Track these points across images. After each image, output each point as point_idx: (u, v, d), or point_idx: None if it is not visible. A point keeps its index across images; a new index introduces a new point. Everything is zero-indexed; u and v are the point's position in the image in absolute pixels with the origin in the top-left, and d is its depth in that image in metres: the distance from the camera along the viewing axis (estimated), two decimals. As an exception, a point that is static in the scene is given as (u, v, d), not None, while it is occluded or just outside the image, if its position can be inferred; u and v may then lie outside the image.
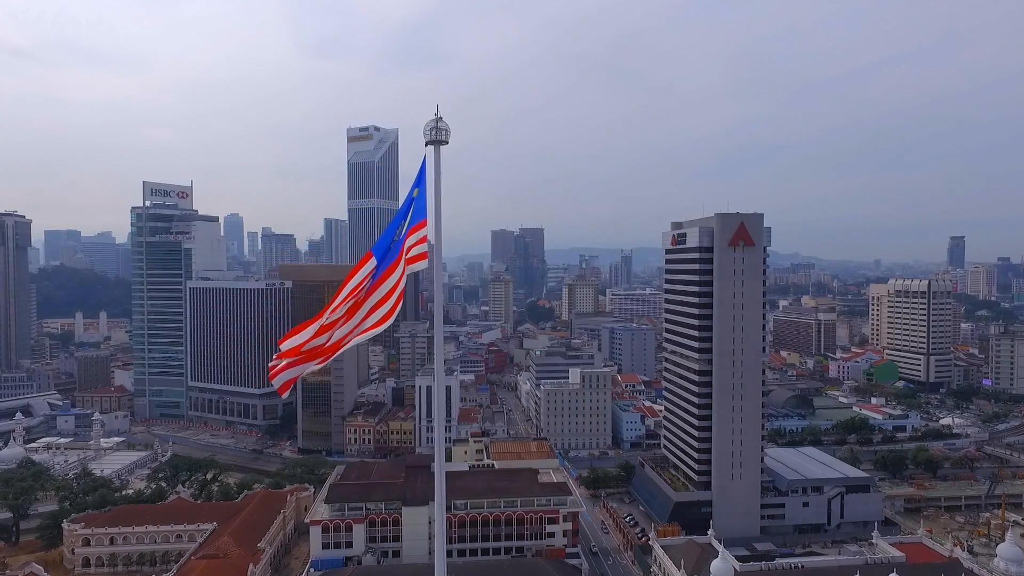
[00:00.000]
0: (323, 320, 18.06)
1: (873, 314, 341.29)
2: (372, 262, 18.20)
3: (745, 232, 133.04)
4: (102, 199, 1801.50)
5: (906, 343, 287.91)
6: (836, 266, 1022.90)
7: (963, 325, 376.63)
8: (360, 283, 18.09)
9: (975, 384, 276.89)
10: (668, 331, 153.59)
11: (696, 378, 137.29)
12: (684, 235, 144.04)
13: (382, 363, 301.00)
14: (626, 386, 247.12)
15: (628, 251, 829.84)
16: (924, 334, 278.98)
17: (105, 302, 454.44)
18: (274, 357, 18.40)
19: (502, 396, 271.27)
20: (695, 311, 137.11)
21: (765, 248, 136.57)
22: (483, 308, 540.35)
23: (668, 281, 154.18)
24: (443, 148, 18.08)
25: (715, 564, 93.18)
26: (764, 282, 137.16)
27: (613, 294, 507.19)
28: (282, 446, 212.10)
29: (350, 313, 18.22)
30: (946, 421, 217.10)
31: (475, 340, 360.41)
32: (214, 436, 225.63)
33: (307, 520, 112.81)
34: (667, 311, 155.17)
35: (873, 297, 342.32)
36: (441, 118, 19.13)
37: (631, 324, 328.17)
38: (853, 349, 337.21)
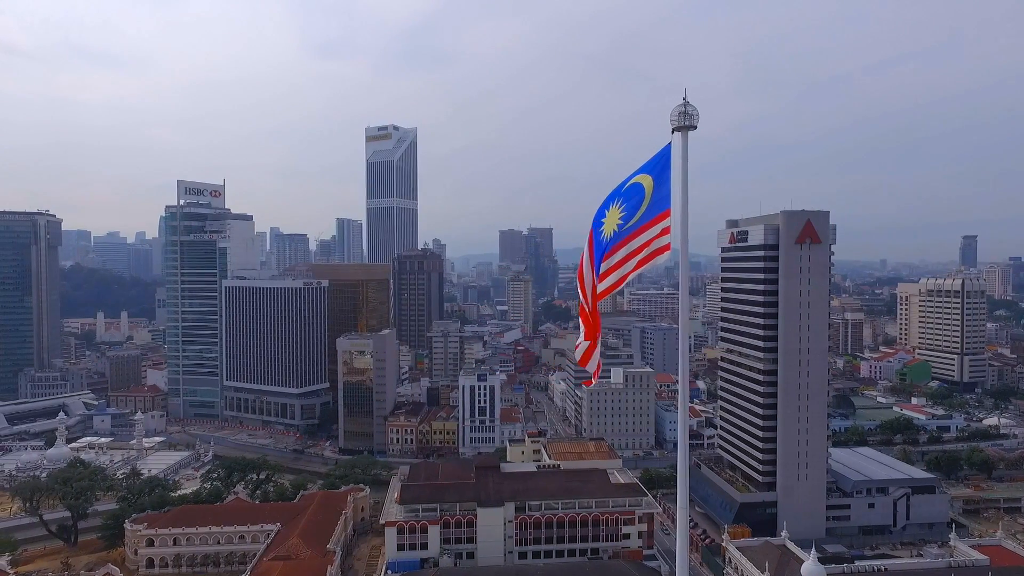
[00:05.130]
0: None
1: (901, 314, 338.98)
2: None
3: (812, 229, 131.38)
4: (109, 200, 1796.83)
5: (939, 343, 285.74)
6: (843, 266, 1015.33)
7: (987, 325, 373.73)
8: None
9: (1010, 384, 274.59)
10: (726, 330, 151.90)
11: (760, 378, 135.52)
12: (745, 233, 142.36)
13: (410, 362, 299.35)
14: (661, 386, 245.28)
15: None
16: (958, 334, 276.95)
17: (122, 302, 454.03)
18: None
19: (534, 396, 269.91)
20: (759, 309, 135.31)
21: (831, 246, 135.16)
22: (499, 308, 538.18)
23: (726, 279, 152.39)
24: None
25: (807, 567, 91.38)
26: (829, 280, 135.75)
27: (632, 293, 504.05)
28: (322, 446, 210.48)
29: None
30: (991, 421, 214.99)
31: (498, 340, 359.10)
32: (251, 436, 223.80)
33: (382, 521, 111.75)
34: (724, 309, 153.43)
35: (902, 297, 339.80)
36: (689, 102, 17.65)
37: (661, 324, 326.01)
38: (883, 349, 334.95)
